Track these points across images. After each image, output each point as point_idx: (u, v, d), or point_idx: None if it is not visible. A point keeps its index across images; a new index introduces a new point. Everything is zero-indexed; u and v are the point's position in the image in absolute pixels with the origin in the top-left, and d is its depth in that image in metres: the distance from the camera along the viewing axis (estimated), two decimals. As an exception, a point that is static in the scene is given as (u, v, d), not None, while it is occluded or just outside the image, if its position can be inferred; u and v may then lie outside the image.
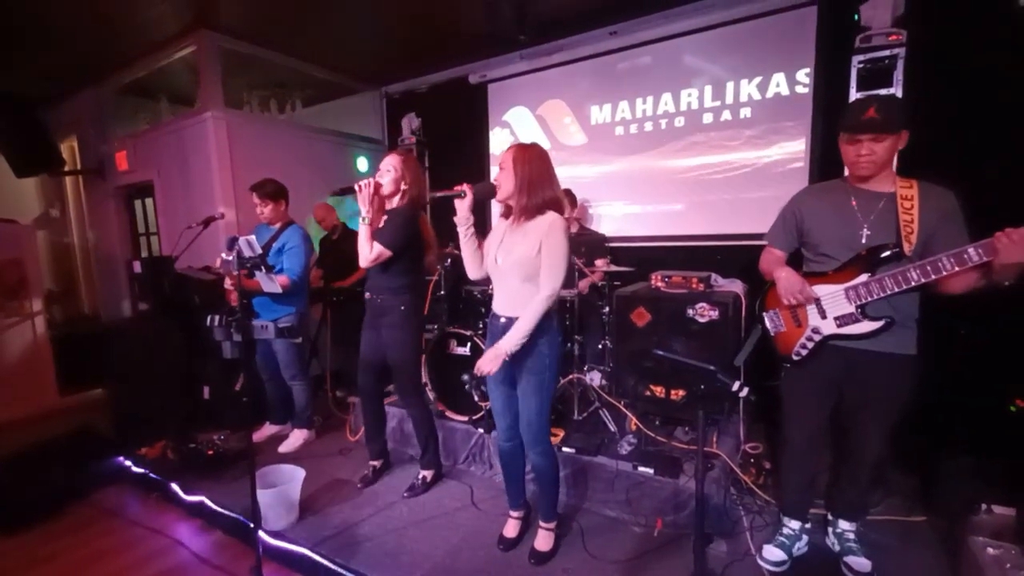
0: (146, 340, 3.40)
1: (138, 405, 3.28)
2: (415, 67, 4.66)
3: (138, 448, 3.04)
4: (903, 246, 1.64)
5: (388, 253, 2.31)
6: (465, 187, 1.88)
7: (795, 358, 1.86)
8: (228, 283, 2.74)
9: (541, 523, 2.14)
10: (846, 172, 1.83)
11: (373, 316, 2.50)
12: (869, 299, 1.69)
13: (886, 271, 1.65)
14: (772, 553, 2.00)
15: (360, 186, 2.23)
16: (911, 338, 1.74)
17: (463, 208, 1.90)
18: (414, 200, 2.43)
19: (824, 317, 1.78)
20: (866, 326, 1.71)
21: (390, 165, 2.38)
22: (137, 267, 3.48)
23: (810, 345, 1.82)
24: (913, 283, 1.61)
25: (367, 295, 2.50)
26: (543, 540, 2.12)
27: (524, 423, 1.98)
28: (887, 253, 1.66)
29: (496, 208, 2.05)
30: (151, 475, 2.83)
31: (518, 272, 1.87)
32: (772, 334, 1.92)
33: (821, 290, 1.78)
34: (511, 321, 1.89)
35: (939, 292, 1.67)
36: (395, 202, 2.43)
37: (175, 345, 3.34)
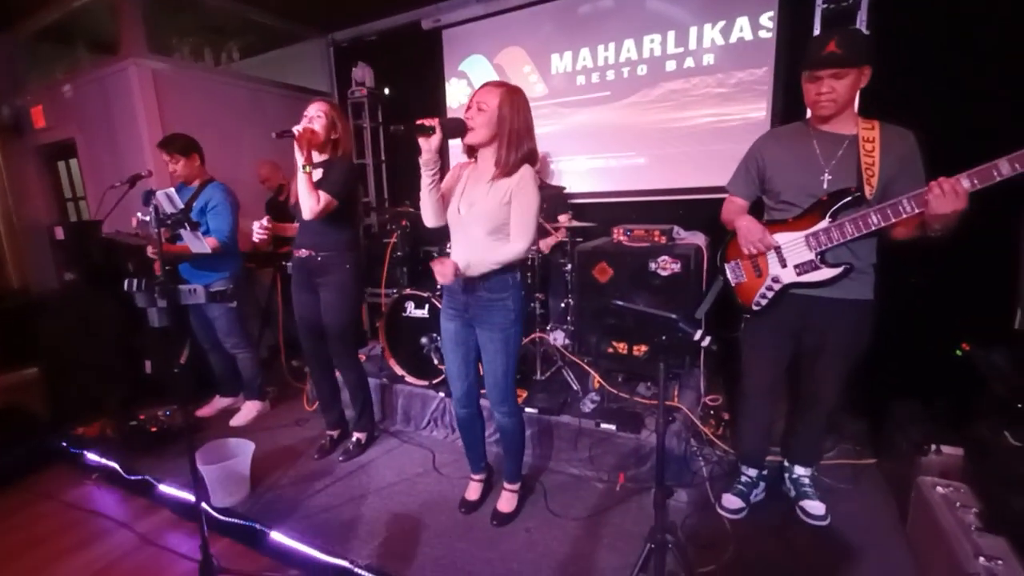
0: (80, 312, 3.14)
1: (74, 382, 3.06)
2: (364, 11, 4.29)
3: (74, 428, 2.84)
4: (864, 190, 1.60)
5: (335, 202, 2.15)
6: (435, 122, 1.63)
7: (755, 308, 1.83)
8: (150, 250, 2.48)
9: (505, 484, 2.10)
10: (808, 114, 1.76)
11: (309, 275, 2.33)
12: (829, 245, 1.66)
13: (847, 216, 1.62)
14: (731, 501, 2.03)
15: (296, 131, 2.02)
16: (869, 284, 1.73)
17: (430, 148, 1.65)
18: (347, 151, 2.27)
19: (784, 266, 1.75)
20: (825, 273, 1.68)
21: (319, 111, 2.18)
22: (59, 233, 3.18)
23: (770, 295, 1.79)
24: (873, 227, 1.58)
25: (301, 253, 2.31)
26: (506, 501, 2.08)
27: (490, 383, 1.90)
28: (848, 198, 1.62)
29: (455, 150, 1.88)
30: (89, 455, 2.65)
31: (484, 224, 1.73)
32: (733, 285, 1.88)
33: (782, 238, 1.74)
34: (475, 276, 1.76)
35: (889, 238, 1.66)
36: (326, 153, 2.25)
37: (111, 317, 3.09)
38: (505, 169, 1.69)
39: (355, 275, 2.36)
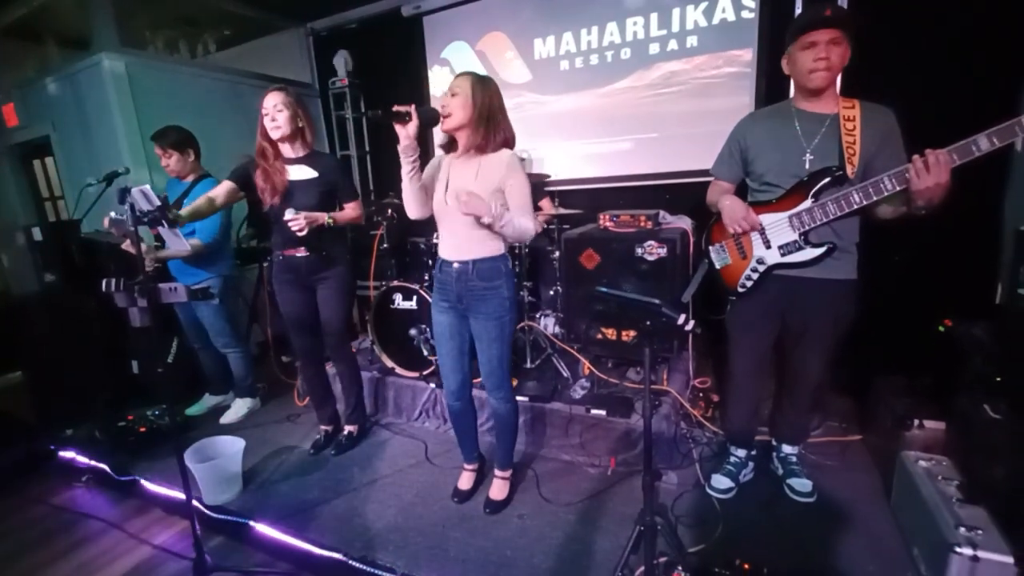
0: (61, 314, 3.09)
1: (60, 385, 3.02)
2: (341, -1, 4.21)
3: (62, 430, 2.81)
4: (846, 169, 1.60)
5: (360, 200, 2.28)
6: (411, 108, 1.63)
7: (740, 290, 1.85)
8: (127, 245, 2.41)
9: (497, 472, 2.12)
10: (791, 93, 1.75)
11: (308, 273, 2.29)
12: (812, 225, 1.67)
13: (829, 196, 1.62)
14: (720, 481, 2.06)
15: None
16: (852, 263, 1.74)
17: (407, 134, 1.64)
18: (312, 138, 2.22)
19: (768, 247, 1.76)
20: (808, 253, 1.70)
21: (279, 104, 2.07)
22: (37, 234, 3.10)
23: (755, 276, 1.80)
24: (855, 206, 1.58)
25: (298, 252, 2.24)
26: (498, 489, 2.09)
27: (486, 371, 1.91)
28: (830, 178, 1.62)
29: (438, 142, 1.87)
30: (78, 457, 2.63)
31: None
32: (718, 268, 1.89)
33: (766, 219, 1.74)
34: (466, 265, 1.78)
35: (872, 218, 1.67)
36: (298, 146, 2.19)
37: (93, 317, 3.05)
38: (480, 147, 1.71)
39: (350, 269, 2.38)
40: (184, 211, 1.98)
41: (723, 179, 1.91)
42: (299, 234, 2.05)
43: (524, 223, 1.72)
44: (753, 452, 2.15)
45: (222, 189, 2.19)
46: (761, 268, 1.78)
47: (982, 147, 1.40)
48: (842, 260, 1.71)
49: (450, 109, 1.69)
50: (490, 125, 1.70)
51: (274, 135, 2.09)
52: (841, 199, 1.59)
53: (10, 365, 3.79)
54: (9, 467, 2.61)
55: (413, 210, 1.83)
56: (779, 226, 1.72)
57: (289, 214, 2.02)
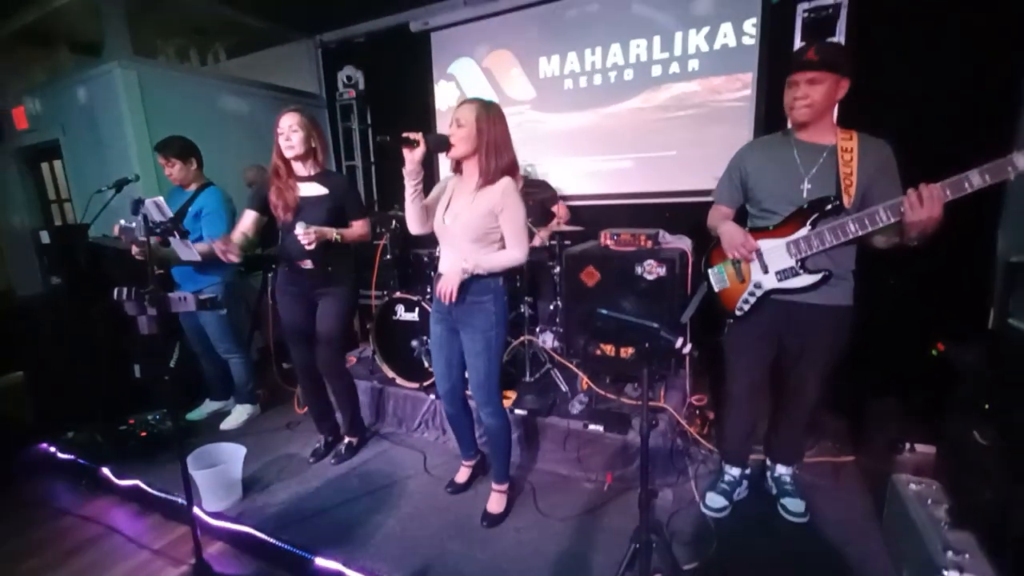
0: (64, 317, 3.11)
1: (62, 387, 3.03)
2: (351, 13, 4.29)
3: (63, 433, 2.83)
4: (843, 199, 1.65)
5: (368, 219, 2.32)
6: (419, 136, 1.72)
7: (738, 313, 1.89)
8: (135, 252, 2.47)
9: (493, 485, 2.15)
10: (789, 124, 1.81)
11: (312, 286, 2.35)
12: (809, 252, 1.71)
13: (826, 224, 1.66)
14: (714, 500, 2.09)
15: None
16: (848, 290, 1.79)
17: (413, 159, 1.74)
18: (325, 155, 2.31)
19: (766, 272, 1.80)
20: (805, 280, 1.74)
21: (294, 124, 2.16)
22: (44, 237, 3.14)
23: (752, 300, 1.85)
24: (851, 235, 1.63)
25: (304, 264, 2.30)
26: (495, 502, 2.12)
27: (474, 384, 1.96)
28: (828, 207, 1.67)
29: (444, 163, 1.93)
30: (79, 461, 2.64)
31: (468, 234, 1.83)
32: (717, 290, 1.93)
33: (764, 244, 1.79)
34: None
35: (867, 246, 1.72)
36: (310, 164, 2.26)
37: (96, 321, 3.07)
38: (487, 177, 1.78)
39: (352, 288, 2.42)
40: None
41: (724, 204, 1.96)
42: (308, 247, 2.10)
43: (507, 257, 1.82)
44: (748, 471, 2.18)
45: (249, 221, 2.31)
46: (758, 292, 1.82)
47: (974, 183, 1.44)
48: (838, 287, 1.75)
49: (455, 140, 1.77)
50: (491, 154, 1.77)
51: (287, 154, 2.18)
52: (837, 228, 1.64)
53: (11, 366, 3.81)
54: (8, 468, 2.63)
55: (414, 227, 1.93)
56: (777, 252, 1.76)
57: (300, 228, 2.07)
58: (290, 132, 2.15)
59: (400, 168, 1.77)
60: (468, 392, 2.06)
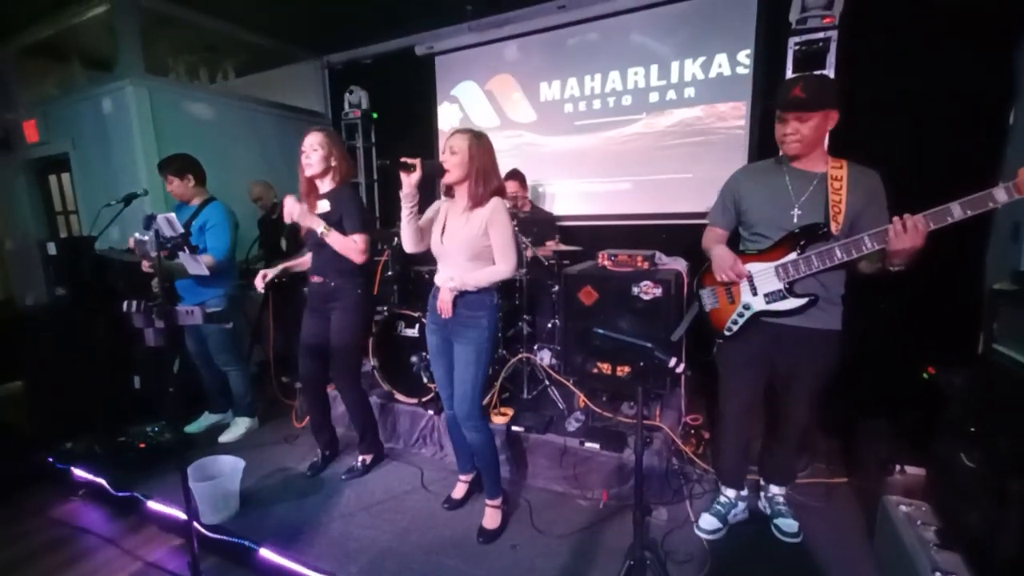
0: (68, 327, 3.14)
1: (61, 398, 3.05)
2: (358, 35, 4.42)
3: (62, 443, 2.84)
4: (831, 226, 1.70)
5: (366, 235, 2.31)
6: (416, 161, 1.83)
7: (727, 333, 1.93)
8: (145, 265, 2.54)
9: (487, 501, 2.17)
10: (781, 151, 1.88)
11: (321, 300, 2.41)
12: (797, 276, 1.75)
13: (814, 250, 1.72)
14: (708, 522, 2.10)
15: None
16: (837, 314, 1.83)
17: (410, 183, 1.84)
18: (347, 175, 2.38)
19: (755, 294, 1.85)
20: (792, 303, 1.78)
21: (315, 144, 2.26)
22: (51, 248, 3.19)
23: (740, 321, 1.89)
24: (838, 261, 1.68)
25: (315, 279, 2.39)
26: (490, 518, 2.14)
27: (459, 395, 2.02)
28: (816, 233, 1.72)
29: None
30: (76, 471, 2.65)
31: (464, 252, 1.93)
32: (707, 310, 1.99)
33: (754, 267, 1.84)
34: (454, 296, 1.95)
35: (853, 272, 1.78)
36: (327, 182, 2.34)
37: (100, 332, 3.10)
38: (476, 200, 1.90)
39: (365, 298, 2.44)
40: None
41: (718, 226, 2.02)
42: (286, 220, 2.21)
43: (493, 272, 1.93)
44: (744, 492, 2.18)
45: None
46: (747, 313, 1.87)
47: (955, 215, 1.49)
48: (827, 311, 1.80)
49: (449, 166, 1.88)
50: (480, 180, 1.88)
51: (306, 172, 2.27)
52: (825, 254, 1.69)
53: (12, 375, 3.82)
54: (5, 478, 2.63)
55: (409, 246, 2.04)
56: (766, 275, 1.81)
57: (289, 200, 2.18)
58: (310, 151, 2.25)
59: (398, 189, 1.87)
60: None
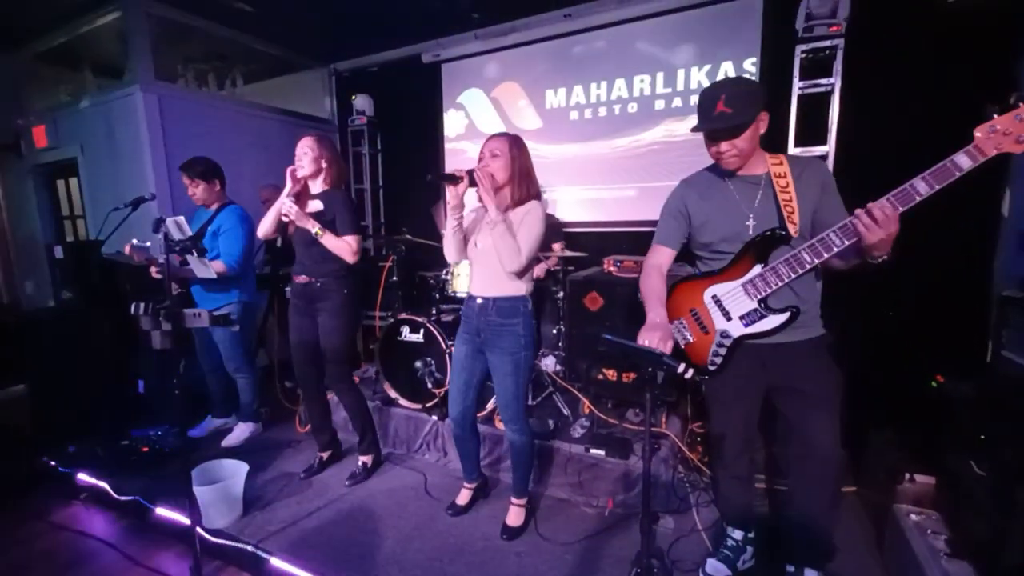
0: (73, 331, 3.15)
1: (65, 401, 3.05)
2: (365, 43, 4.46)
3: (64, 447, 2.83)
4: (788, 228, 1.52)
5: (358, 236, 2.33)
6: (463, 172, 1.85)
7: (711, 368, 1.68)
8: (154, 271, 2.55)
9: (513, 499, 2.20)
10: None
11: (307, 301, 2.42)
12: (768, 291, 1.56)
13: (779, 258, 1.53)
14: (716, 568, 1.87)
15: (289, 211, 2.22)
16: (816, 320, 1.66)
17: (457, 195, 1.87)
18: (338, 178, 2.41)
19: (729, 319, 1.63)
20: (773, 321, 1.58)
21: (305, 147, 2.32)
22: (59, 252, 3.21)
23: (723, 351, 1.65)
24: (808, 265, 1.50)
25: (300, 279, 2.40)
26: (514, 516, 2.17)
27: (502, 403, 2.03)
28: (774, 238, 1.55)
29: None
30: (79, 475, 2.64)
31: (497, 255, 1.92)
32: (682, 347, 1.72)
33: (719, 289, 1.65)
34: (487, 301, 1.95)
35: (830, 272, 1.61)
36: (319, 183, 2.38)
37: (105, 336, 3.11)
38: (516, 200, 1.91)
39: (352, 300, 2.44)
40: None
41: (666, 245, 1.78)
42: (283, 219, 2.23)
43: (513, 248, 1.83)
44: (751, 535, 1.93)
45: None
46: (727, 342, 1.64)
47: (921, 191, 1.35)
48: (806, 321, 1.61)
49: (493, 169, 1.87)
50: (522, 180, 1.91)
51: (299, 173, 2.31)
52: (792, 260, 1.51)
53: (15, 378, 3.82)
54: (8, 481, 2.62)
55: (453, 255, 2.02)
56: (734, 295, 1.61)
57: (286, 201, 2.22)
58: (301, 154, 2.31)
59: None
60: (479, 414, 2.10)
